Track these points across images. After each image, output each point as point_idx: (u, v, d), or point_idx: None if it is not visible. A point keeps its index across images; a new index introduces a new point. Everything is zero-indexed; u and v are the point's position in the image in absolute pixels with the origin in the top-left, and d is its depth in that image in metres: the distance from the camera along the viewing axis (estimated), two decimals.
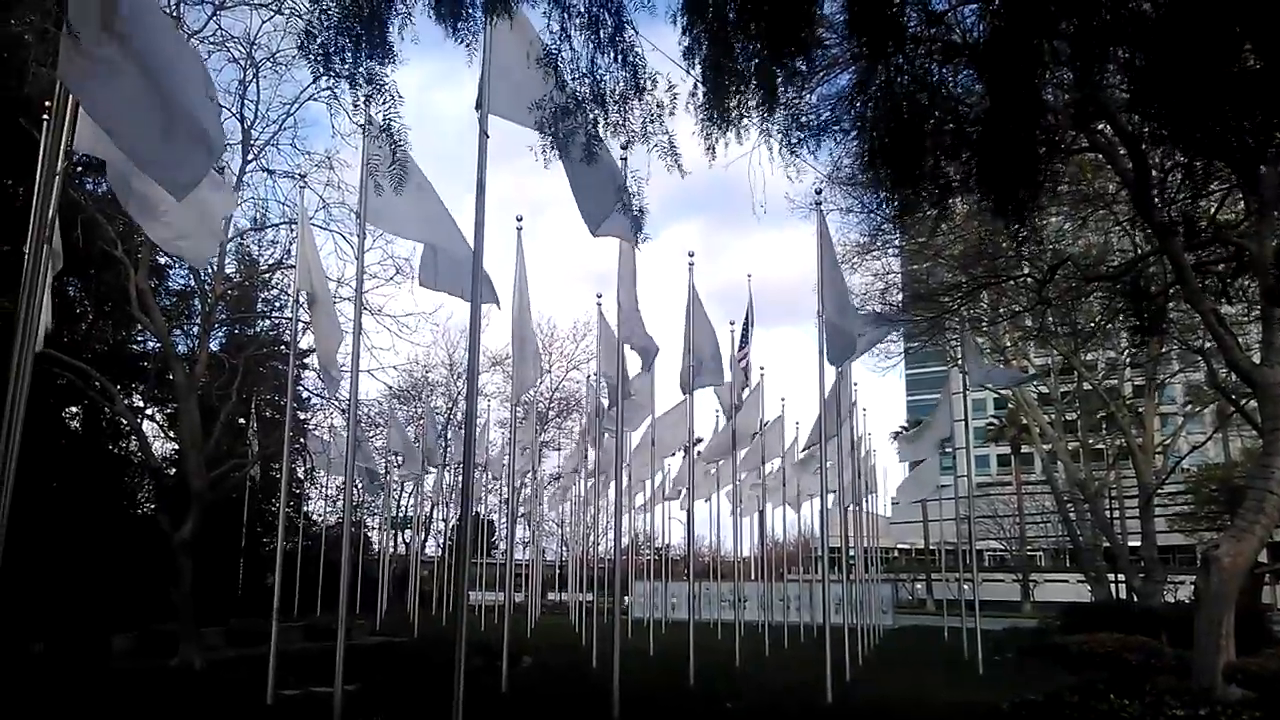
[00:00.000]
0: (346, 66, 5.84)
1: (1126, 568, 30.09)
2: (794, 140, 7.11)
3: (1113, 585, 33.21)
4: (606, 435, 24.14)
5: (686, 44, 6.49)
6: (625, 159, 7.58)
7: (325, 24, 5.78)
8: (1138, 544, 31.29)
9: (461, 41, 5.97)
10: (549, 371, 46.73)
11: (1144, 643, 14.31)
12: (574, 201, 9.24)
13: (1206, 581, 11.03)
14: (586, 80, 6.12)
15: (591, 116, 6.36)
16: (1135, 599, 27.66)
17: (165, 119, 6.86)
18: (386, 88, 5.95)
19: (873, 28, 6.01)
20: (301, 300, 16.52)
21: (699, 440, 26.02)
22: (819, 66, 7.11)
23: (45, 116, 7.60)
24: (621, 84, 6.11)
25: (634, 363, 17.00)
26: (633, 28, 5.97)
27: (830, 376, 16.35)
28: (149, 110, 6.73)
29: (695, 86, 6.74)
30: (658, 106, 6.57)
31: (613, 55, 5.97)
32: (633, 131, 6.53)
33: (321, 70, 5.88)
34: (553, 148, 6.70)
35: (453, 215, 11.13)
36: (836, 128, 8.79)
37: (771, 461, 28.89)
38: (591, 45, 6.02)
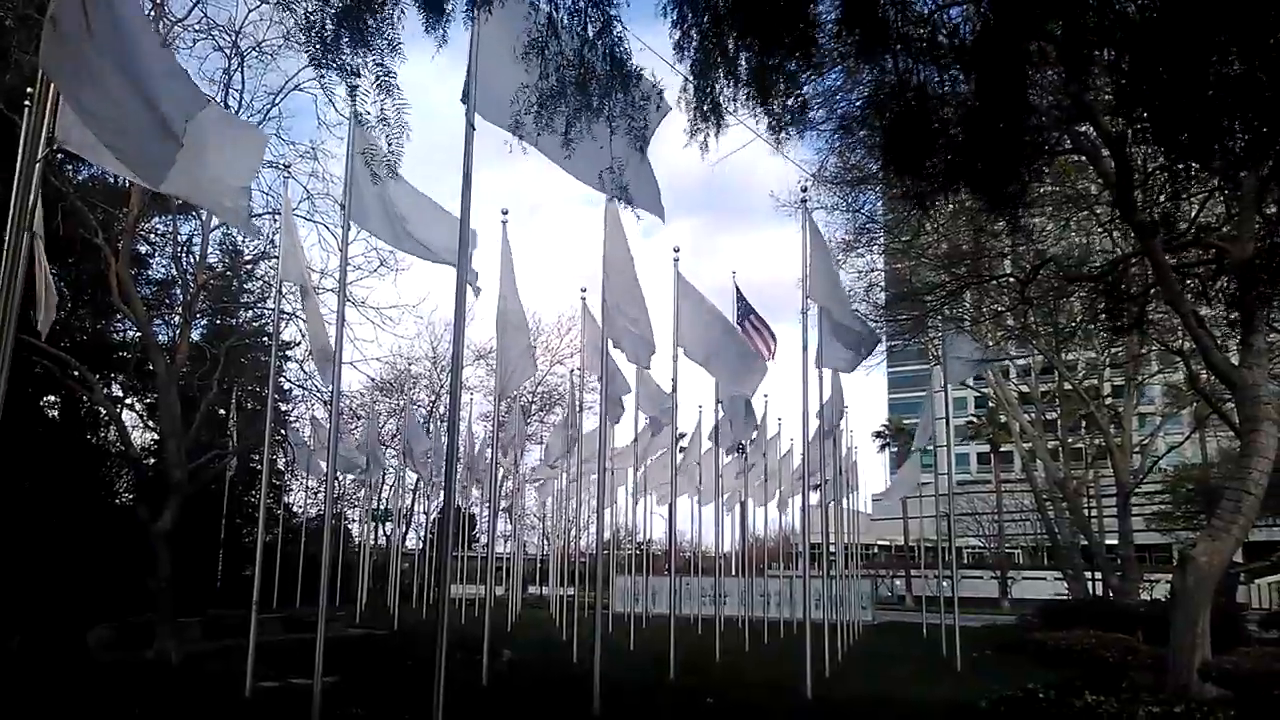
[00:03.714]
0: (344, 57, 5.79)
1: (1104, 566, 30.39)
2: (783, 138, 7.11)
3: (1090, 583, 33.53)
4: (589, 429, 24.13)
5: (676, 37, 6.47)
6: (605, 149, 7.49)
7: (323, 14, 5.72)
8: (1115, 542, 31.58)
9: (434, 32, 5.92)
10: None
11: (1120, 640, 14.50)
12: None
13: (1183, 580, 11.14)
14: (571, 73, 6.08)
15: (574, 108, 6.32)
16: (1112, 597, 27.95)
17: (143, 113, 6.82)
18: (386, 79, 5.90)
19: (864, 26, 6.01)
20: (284, 291, 16.45)
21: (682, 435, 26.08)
22: (809, 64, 7.10)
23: (27, 103, 7.55)
24: (607, 79, 6.08)
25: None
26: (620, 23, 5.96)
27: (814, 374, 16.33)
28: (127, 104, 6.68)
29: (685, 81, 6.73)
30: (643, 99, 6.56)
31: (600, 50, 5.94)
32: (615, 126, 6.51)
33: (321, 62, 5.80)
34: (536, 141, 6.66)
35: (444, 209, 11.01)
36: (824, 126, 8.83)
37: (755, 457, 28.97)
38: (578, 39, 5.99)
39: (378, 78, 5.78)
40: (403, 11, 5.76)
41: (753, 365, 17.46)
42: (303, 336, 23.29)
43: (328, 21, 5.60)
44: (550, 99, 6.22)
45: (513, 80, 6.54)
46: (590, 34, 5.87)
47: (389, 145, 6.26)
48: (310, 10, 5.62)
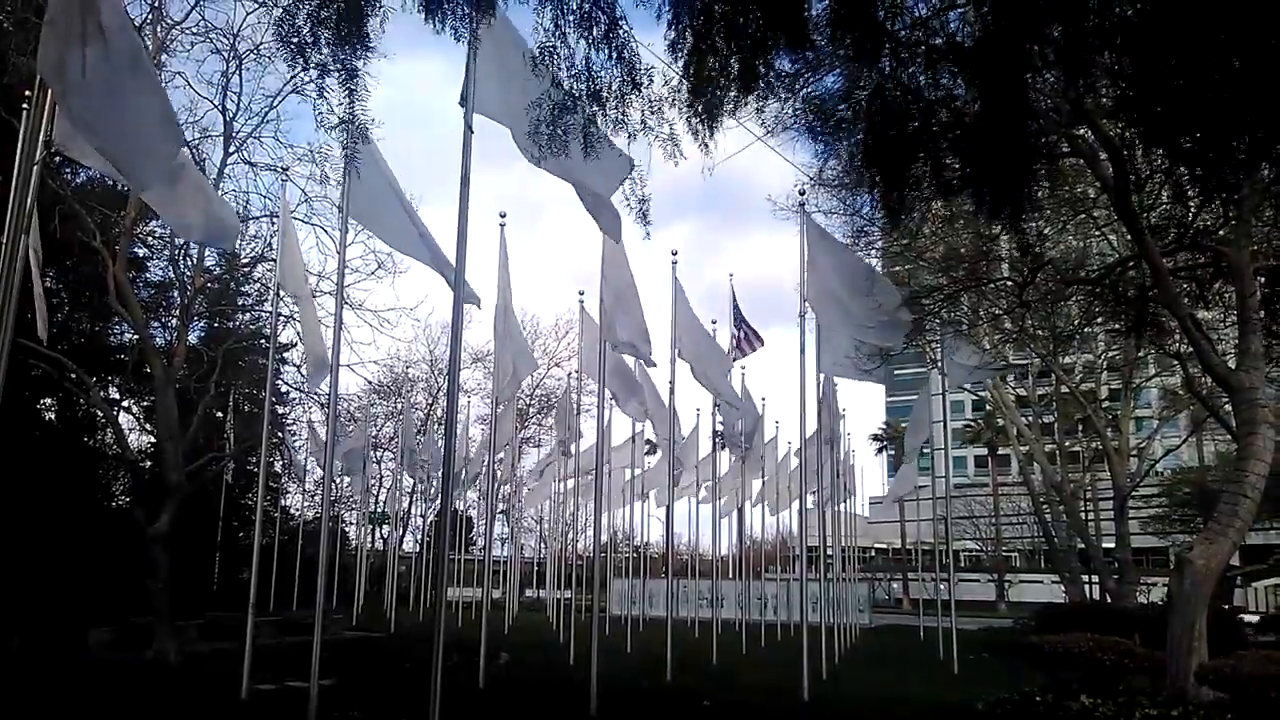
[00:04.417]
0: (321, 57, 5.80)
1: (1101, 569, 30.37)
2: (780, 140, 7.13)
3: (1087, 586, 33.53)
4: (586, 432, 24.10)
5: (672, 38, 6.47)
6: (622, 155, 7.50)
7: (301, 13, 5.73)
8: (1112, 545, 31.59)
9: (457, 37, 5.94)
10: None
11: (1117, 643, 14.48)
12: (580, 205, 9.19)
13: (1180, 583, 11.13)
14: (583, 78, 6.10)
15: (589, 113, 6.33)
16: (1109, 600, 27.94)
17: (139, 118, 6.83)
18: (359, 80, 5.92)
19: (858, 28, 6.02)
20: (282, 294, 16.42)
21: (681, 440, 26.07)
22: (805, 67, 7.10)
23: (25, 106, 7.54)
24: (618, 81, 6.10)
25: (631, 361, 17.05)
26: (626, 24, 5.97)
27: (811, 377, 16.36)
28: (123, 109, 6.69)
29: (680, 83, 6.74)
30: (656, 99, 6.58)
31: (608, 53, 5.96)
32: (634, 126, 6.52)
33: (296, 61, 5.82)
34: (548, 148, 6.66)
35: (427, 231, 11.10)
36: (821, 130, 8.82)
37: (753, 460, 28.95)
38: (586, 43, 6.01)
39: (351, 77, 5.80)
40: (386, 14, 5.79)
41: (720, 360, 17.97)
42: (299, 340, 23.30)
43: (317, 26, 5.60)
44: (558, 111, 6.23)
45: (517, 83, 6.55)
46: (597, 35, 5.88)
47: (344, 148, 6.27)
48: (300, 14, 5.63)
